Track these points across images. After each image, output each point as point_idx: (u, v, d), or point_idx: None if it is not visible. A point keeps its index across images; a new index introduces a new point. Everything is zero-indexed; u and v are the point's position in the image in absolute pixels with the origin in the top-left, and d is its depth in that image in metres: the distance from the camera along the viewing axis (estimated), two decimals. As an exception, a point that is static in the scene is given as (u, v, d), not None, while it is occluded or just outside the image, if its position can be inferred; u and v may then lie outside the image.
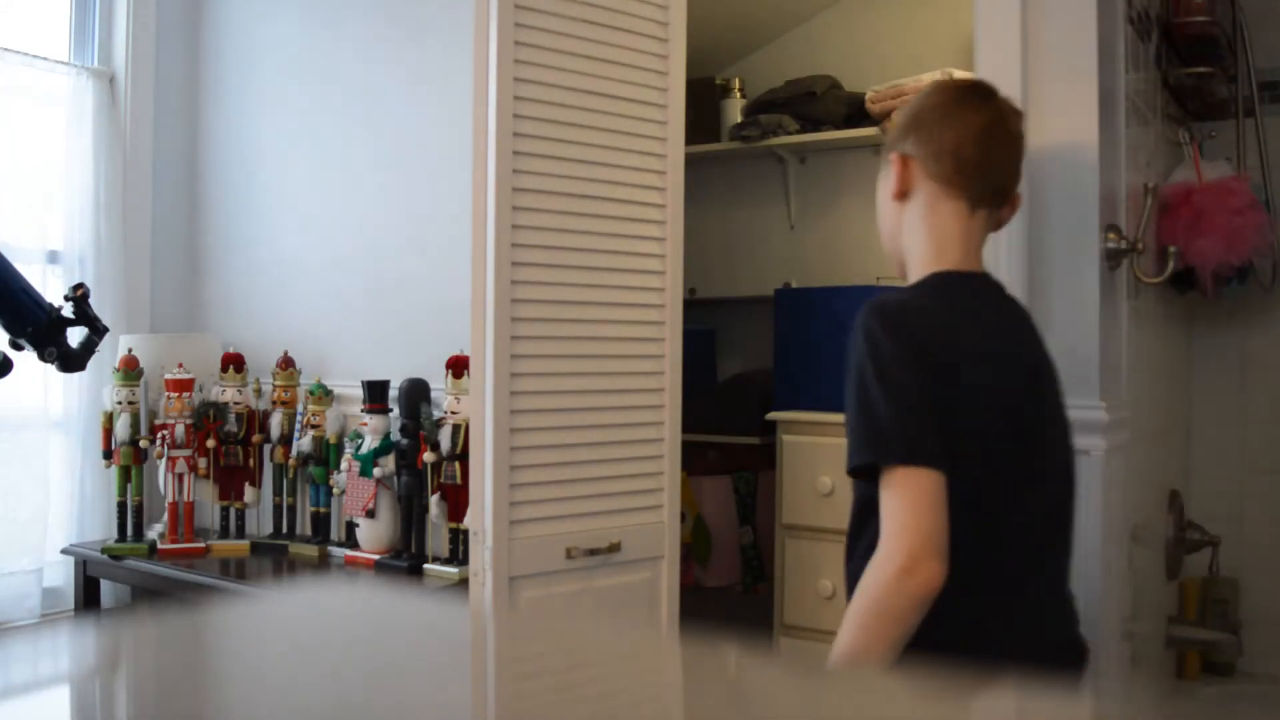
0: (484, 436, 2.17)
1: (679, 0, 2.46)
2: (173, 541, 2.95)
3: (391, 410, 2.82)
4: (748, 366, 3.59)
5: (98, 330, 2.55)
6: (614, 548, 2.32)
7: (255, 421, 3.03)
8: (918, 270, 1.59)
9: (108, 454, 2.97)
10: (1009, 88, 2.02)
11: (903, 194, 1.61)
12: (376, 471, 2.76)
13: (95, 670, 0.66)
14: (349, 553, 2.85)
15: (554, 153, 2.25)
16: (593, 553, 2.29)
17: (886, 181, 1.64)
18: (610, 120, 2.34)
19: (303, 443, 2.93)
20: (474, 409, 2.20)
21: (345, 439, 2.89)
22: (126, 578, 3.01)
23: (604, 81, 2.33)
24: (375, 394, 2.81)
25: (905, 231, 1.62)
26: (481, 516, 2.17)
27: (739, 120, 3.45)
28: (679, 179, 2.45)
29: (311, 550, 2.91)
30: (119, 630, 0.77)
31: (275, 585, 2.72)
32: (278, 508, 3.03)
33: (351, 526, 2.87)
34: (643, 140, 2.39)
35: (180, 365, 3.00)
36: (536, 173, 2.22)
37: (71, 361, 2.51)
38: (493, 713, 0.59)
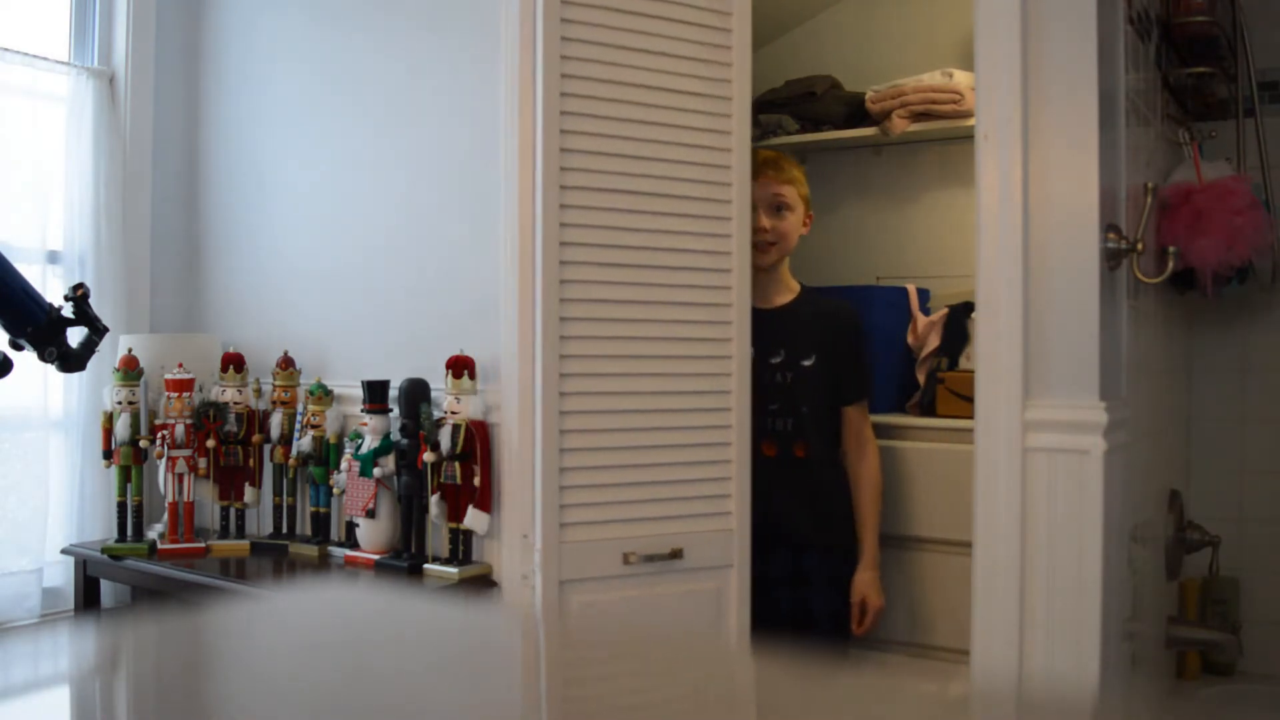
0: (532, 435, 2.18)
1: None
2: (173, 541, 2.95)
3: (391, 410, 2.82)
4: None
5: (98, 330, 2.55)
6: (676, 554, 2.24)
7: (255, 421, 3.03)
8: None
9: (108, 454, 2.97)
10: (1009, 88, 2.02)
11: None
12: (376, 471, 2.76)
13: (95, 670, 0.66)
14: (349, 553, 2.85)
15: (604, 149, 2.22)
16: (652, 559, 2.21)
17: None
18: (668, 115, 2.27)
19: (303, 443, 2.93)
20: (523, 407, 2.19)
21: (345, 439, 2.89)
22: (126, 578, 3.00)
23: (660, 75, 2.26)
24: (375, 394, 2.81)
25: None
26: (530, 518, 2.16)
27: (739, 120, 3.45)
28: (745, 174, 2.37)
29: (311, 550, 2.91)
30: (119, 630, 0.77)
31: (275, 585, 2.72)
32: (278, 508, 3.03)
33: (351, 526, 2.87)
34: (705, 134, 2.32)
35: (180, 365, 3.00)
36: (585, 169, 2.20)
37: (71, 361, 2.51)
38: (494, 711, 0.59)
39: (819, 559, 2.60)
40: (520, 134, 2.19)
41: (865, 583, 2.57)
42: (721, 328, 2.35)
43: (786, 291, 2.72)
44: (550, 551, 2.14)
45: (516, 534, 2.46)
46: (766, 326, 2.58)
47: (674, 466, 2.27)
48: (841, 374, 2.67)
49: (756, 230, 2.52)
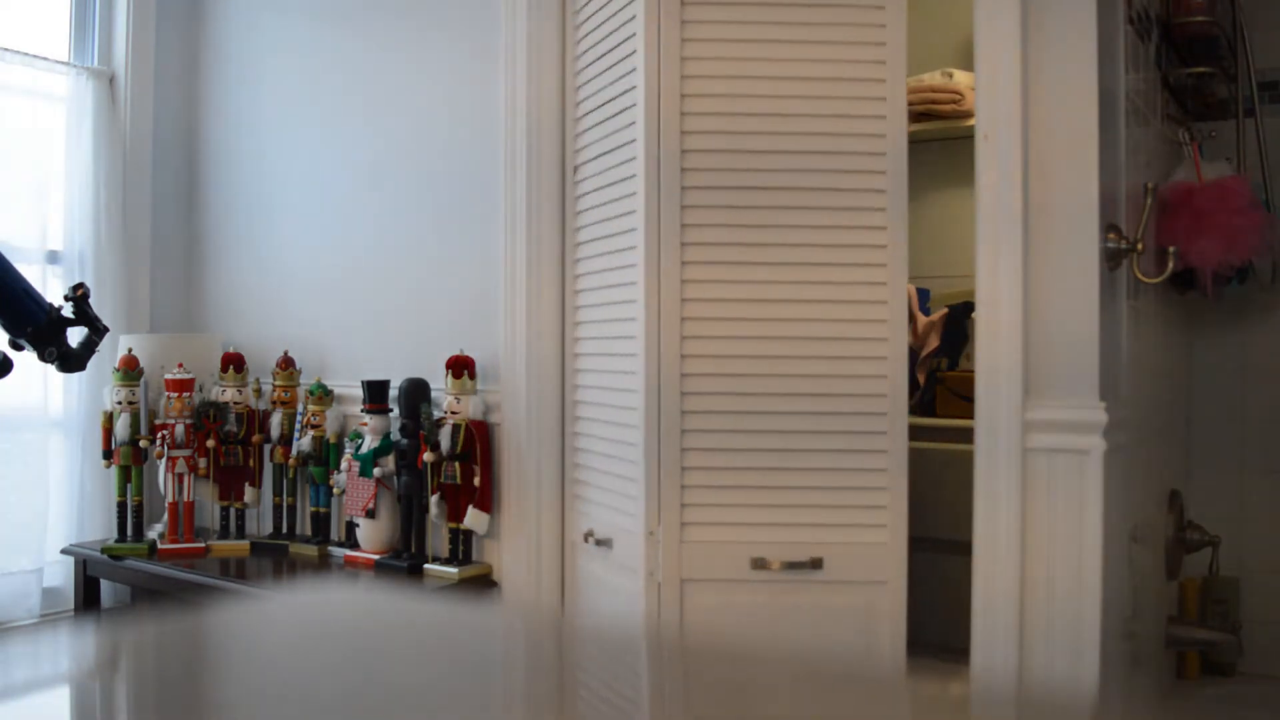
0: (654, 426, 2.11)
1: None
2: (173, 541, 2.95)
3: (391, 410, 2.82)
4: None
5: (98, 330, 2.55)
6: (815, 563, 2.09)
7: (255, 421, 3.03)
8: None
9: (108, 454, 2.97)
10: (1009, 87, 2.02)
11: None
12: (376, 471, 2.76)
13: (95, 670, 0.66)
14: (349, 553, 2.85)
15: (726, 141, 2.12)
16: (790, 566, 2.08)
17: None
18: (812, 104, 2.10)
19: (303, 443, 2.93)
20: (648, 402, 2.12)
21: (345, 439, 2.89)
22: (126, 578, 3.00)
23: (801, 63, 2.12)
24: (375, 394, 2.81)
25: None
26: (651, 513, 2.10)
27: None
28: (901, 160, 2.12)
29: (311, 550, 2.91)
30: (119, 630, 0.77)
31: (275, 585, 2.72)
32: (278, 508, 3.03)
33: (351, 526, 2.87)
34: (857, 121, 2.12)
35: (180, 365, 3.00)
36: (708, 149, 2.12)
37: (71, 361, 2.51)
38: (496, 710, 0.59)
39: None
40: (645, 111, 2.12)
41: None
42: (874, 326, 2.11)
43: None
44: (671, 549, 2.08)
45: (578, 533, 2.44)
46: None
47: (816, 472, 2.11)
48: None
49: None
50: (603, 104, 2.40)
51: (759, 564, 2.09)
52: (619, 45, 2.31)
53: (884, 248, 2.12)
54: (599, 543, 2.38)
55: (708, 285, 2.13)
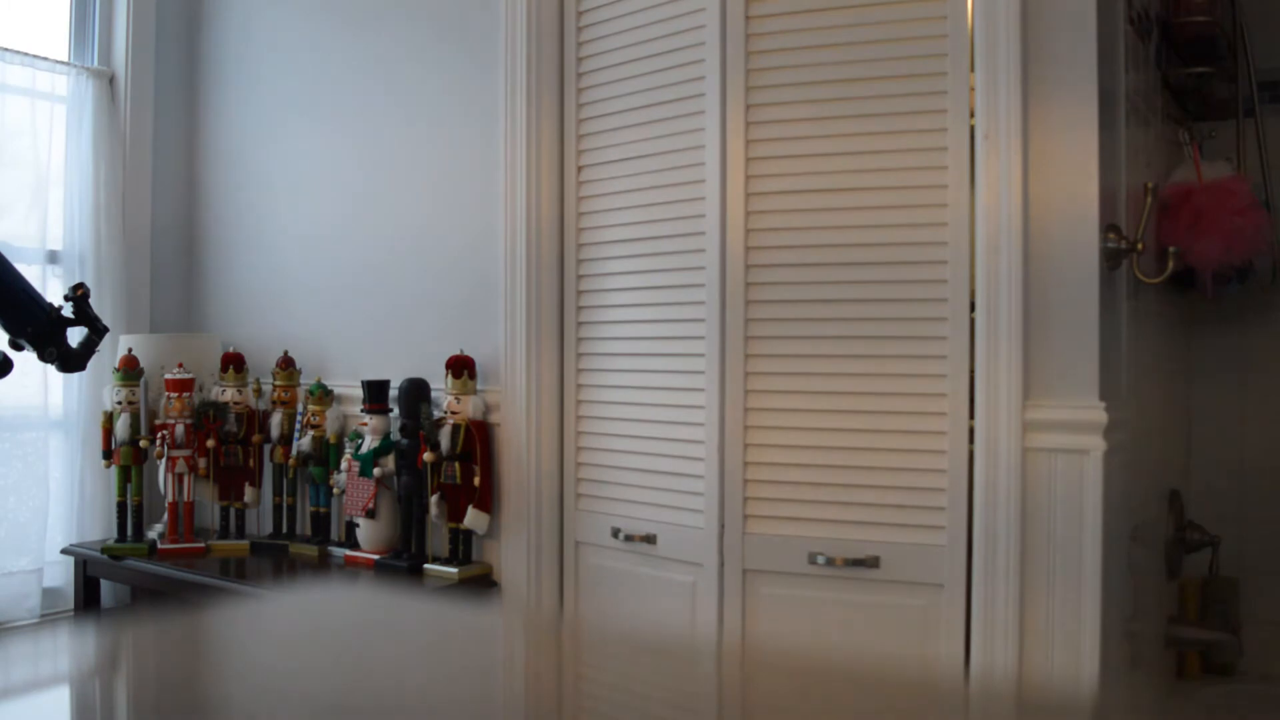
0: (717, 422, 2.22)
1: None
2: (173, 541, 2.95)
3: (391, 410, 2.82)
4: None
5: (98, 330, 2.55)
6: (871, 562, 2.10)
7: (255, 421, 3.03)
8: None
9: (108, 454, 2.97)
10: (1009, 87, 2.02)
11: None
12: (376, 471, 2.76)
13: (95, 670, 0.66)
14: (349, 553, 2.85)
15: (798, 134, 2.20)
16: (850, 563, 2.10)
17: None
18: (874, 104, 2.13)
19: (303, 443, 2.93)
20: (708, 396, 2.25)
21: (345, 439, 2.89)
22: (126, 578, 3.00)
23: (861, 83, 2.15)
24: (375, 394, 2.81)
25: None
26: (715, 505, 2.21)
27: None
28: (963, 188, 2.10)
29: (311, 550, 2.91)
30: (119, 630, 0.77)
31: (275, 585, 2.72)
32: (278, 508, 3.03)
33: (351, 526, 2.87)
34: (915, 117, 2.12)
35: (180, 365, 3.00)
36: (777, 156, 2.21)
37: (71, 361, 2.51)
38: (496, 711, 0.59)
39: None
40: (710, 107, 2.24)
41: None
42: (936, 324, 2.11)
43: None
44: (734, 540, 2.18)
45: (607, 529, 2.49)
46: None
47: (874, 471, 2.12)
48: None
49: None
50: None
51: (814, 558, 2.16)
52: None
53: (945, 244, 2.12)
54: (631, 539, 2.44)
55: (773, 268, 2.21)
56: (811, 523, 2.18)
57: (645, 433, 2.46)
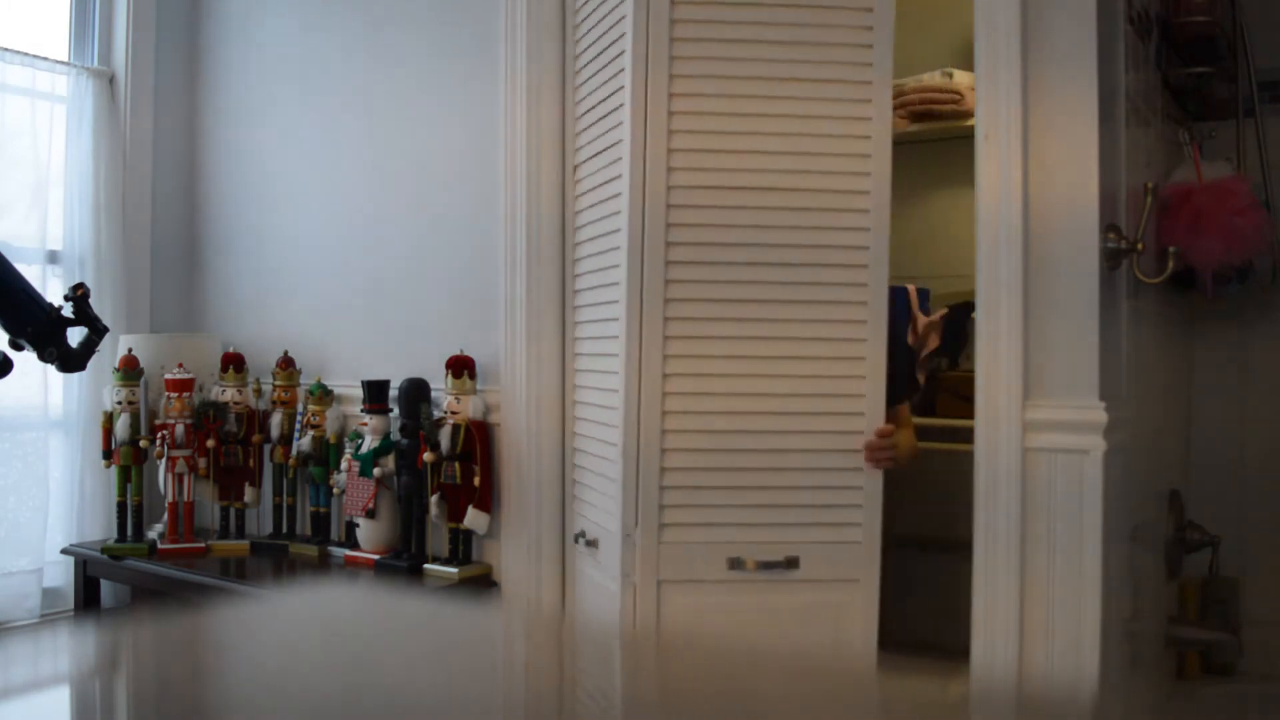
0: (634, 428, 2.06)
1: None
2: (173, 541, 2.95)
3: (391, 410, 2.82)
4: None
5: (98, 330, 2.55)
6: (790, 563, 2.09)
7: (255, 421, 3.03)
8: None
9: (108, 454, 2.97)
10: (1009, 87, 2.02)
11: None
12: (376, 471, 2.76)
13: (95, 670, 0.66)
14: (349, 553, 2.85)
15: (719, 127, 2.09)
16: (765, 566, 2.07)
17: None
18: (799, 106, 2.11)
19: (303, 443, 2.93)
20: (628, 400, 2.08)
21: (345, 439, 2.89)
22: (126, 578, 3.00)
23: (788, 65, 2.11)
24: (375, 394, 2.81)
25: None
26: (631, 513, 2.06)
27: (739, 120, 3.44)
28: (885, 161, 2.11)
29: (311, 550, 2.91)
30: (119, 630, 0.77)
31: (275, 585, 2.72)
32: (278, 508, 3.03)
33: (351, 526, 2.87)
34: (841, 123, 2.12)
35: (180, 365, 3.00)
36: (695, 149, 2.09)
37: (71, 361, 2.51)
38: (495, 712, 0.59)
39: None
40: (632, 113, 2.09)
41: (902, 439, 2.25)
42: (854, 326, 2.11)
43: None
44: (649, 550, 2.05)
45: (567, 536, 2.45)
46: None
47: (793, 472, 2.10)
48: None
49: None
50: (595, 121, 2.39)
51: (735, 564, 2.08)
52: (609, 95, 2.29)
53: (866, 249, 2.11)
54: (588, 543, 2.39)
55: (690, 267, 2.11)
56: (730, 527, 2.10)
57: (586, 432, 2.45)
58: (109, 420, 2.96)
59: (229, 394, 3.02)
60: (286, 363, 3.04)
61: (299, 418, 2.97)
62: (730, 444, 2.10)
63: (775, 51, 2.10)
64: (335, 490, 2.89)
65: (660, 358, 2.08)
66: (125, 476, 2.98)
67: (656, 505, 2.08)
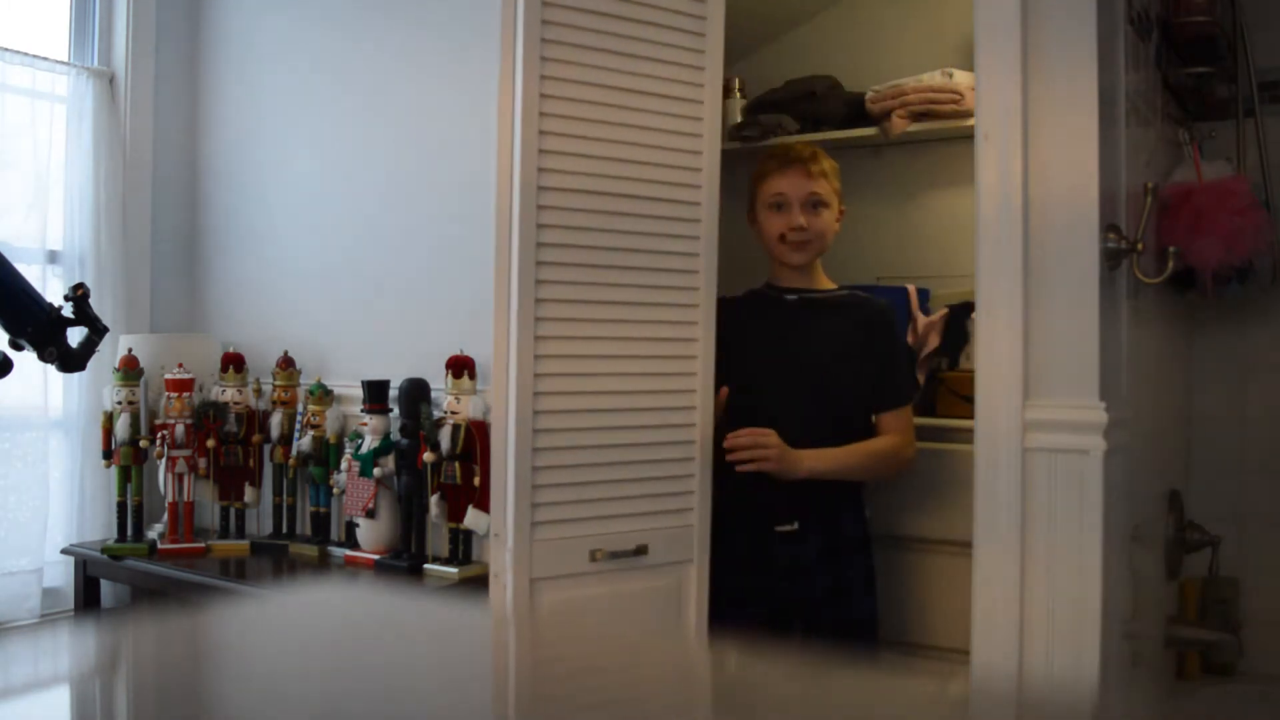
0: (505, 436, 2.14)
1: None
2: (173, 541, 2.95)
3: (391, 410, 2.82)
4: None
5: (98, 330, 2.55)
6: (641, 550, 2.26)
7: (255, 421, 3.03)
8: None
9: (108, 454, 2.97)
10: (1009, 88, 2.02)
11: None
12: (376, 471, 2.76)
13: (95, 670, 0.66)
14: (349, 553, 2.85)
15: (581, 150, 2.20)
16: (618, 555, 2.23)
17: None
18: (642, 117, 2.27)
19: (303, 443, 2.93)
20: (496, 408, 2.18)
21: (345, 439, 2.89)
22: (126, 578, 3.01)
23: (636, 78, 2.26)
24: (375, 394, 2.81)
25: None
26: (502, 517, 2.14)
27: (739, 120, 3.45)
28: (714, 176, 2.36)
29: (311, 550, 2.91)
30: (119, 630, 0.77)
31: (275, 585, 2.72)
32: (278, 508, 3.03)
33: (351, 526, 2.87)
34: (677, 137, 2.32)
35: (180, 365, 3.00)
36: (562, 170, 2.18)
37: (71, 361, 2.51)
38: (493, 713, 0.59)
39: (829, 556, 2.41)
40: (499, 133, 2.18)
41: (801, 455, 2.32)
42: (687, 328, 2.33)
43: (824, 286, 2.56)
44: (522, 550, 2.14)
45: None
46: (798, 317, 2.46)
47: (641, 464, 2.28)
48: (882, 377, 2.46)
49: (793, 229, 2.42)
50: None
51: (596, 556, 2.23)
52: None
53: (696, 255, 2.33)
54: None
55: (559, 286, 2.21)
56: (590, 521, 2.24)
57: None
58: (109, 420, 2.96)
59: (229, 394, 3.02)
60: (286, 363, 3.04)
61: (299, 418, 2.97)
62: (592, 440, 2.24)
63: (615, 62, 2.26)
64: (335, 490, 2.89)
65: (532, 358, 2.18)
66: (125, 476, 2.98)
67: (529, 505, 2.17)
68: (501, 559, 2.14)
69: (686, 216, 2.33)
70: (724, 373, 2.37)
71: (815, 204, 2.44)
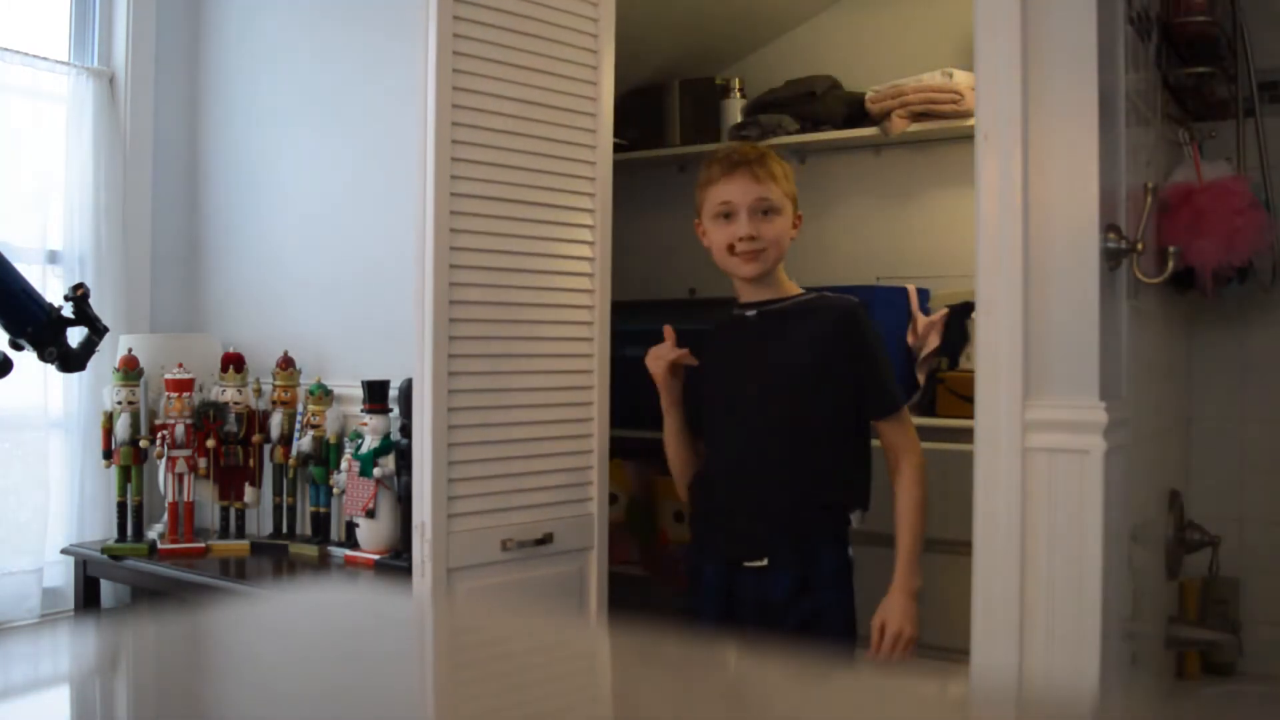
0: (422, 435, 2.26)
1: (608, 9, 2.57)
2: (173, 541, 2.95)
3: (391, 410, 2.82)
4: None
5: (98, 330, 2.55)
6: (546, 539, 2.42)
7: (255, 421, 3.03)
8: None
9: (108, 454, 2.97)
10: (1009, 88, 2.02)
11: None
12: (376, 471, 2.76)
13: (95, 670, 0.66)
14: (349, 553, 2.85)
15: (491, 159, 2.36)
16: (525, 544, 2.38)
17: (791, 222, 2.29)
18: (544, 129, 2.44)
19: (303, 443, 2.93)
20: (415, 411, 2.30)
21: (345, 439, 2.89)
22: (126, 578, 3.00)
23: (538, 91, 2.44)
24: (375, 394, 2.81)
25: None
26: (420, 511, 2.27)
27: (739, 120, 3.45)
28: (607, 185, 2.55)
29: (311, 550, 2.91)
30: (119, 630, 0.77)
31: (275, 585, 2.72)
32: (278, 508, 3.03)
33: (351, 526, 2.87)
34: (574, 148, 2.50)
35: (180, 365, 3.00)
36: (474, 179, 2.33)
37: (71, 361, 2.51)
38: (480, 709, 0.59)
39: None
40: (417, 144, 2.32)
41: (891, 607, 2.18)
42: (583, 327, 2.50)
43: (789, 293, 2.33)
44: (440, 541, 2.26)
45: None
46: (763, 332, 2.27)
47: (545, 458, 2.44)
48: (866, 378, 2.24)
49: (741, 239, 2.19)
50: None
51: (506, 546, 2.36)
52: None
53: (591, 259, 2.52)
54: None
55: (471, 289, 2.34)
56: (501, 513, 2.38)
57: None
58: (109, 420, 2.96)
59: (229, 394, 3.02)
60: (286, 363, 3.04)
61: (299, 418, 2.97)
62: (502, 436, 2.38)
63: (519, 75, 2.41)
64: (335, 490, 2.89)
65: (446, 357, 2.29)
66: (125, 476, 2.98)
67: (445, 499, 2.29)
68: (422, 550, 2.26)
69: (582, 223, 2.51)
70: (695, 403, 2.29)
71: (766, 210, 2.20)
